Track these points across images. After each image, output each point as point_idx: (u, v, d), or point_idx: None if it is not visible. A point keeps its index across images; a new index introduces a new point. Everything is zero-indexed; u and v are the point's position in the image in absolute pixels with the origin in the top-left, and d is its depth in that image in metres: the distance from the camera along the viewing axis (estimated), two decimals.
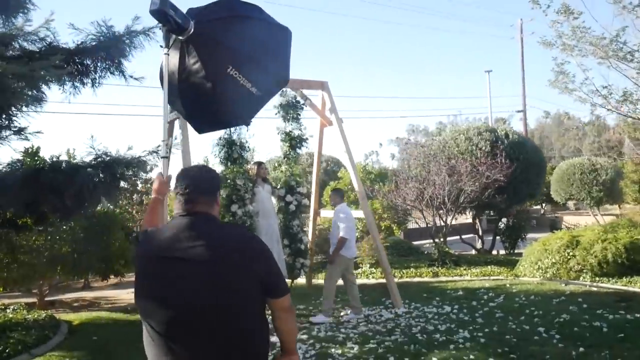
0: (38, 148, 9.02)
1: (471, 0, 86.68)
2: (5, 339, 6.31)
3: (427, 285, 9.17)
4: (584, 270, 8.62)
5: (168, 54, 3.01)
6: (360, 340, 6.15)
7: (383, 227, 14.19)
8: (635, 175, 22.71)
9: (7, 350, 5.97)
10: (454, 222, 12.74)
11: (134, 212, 17.59)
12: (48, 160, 7.30)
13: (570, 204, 26.06)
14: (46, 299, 9.74)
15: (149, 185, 19.37)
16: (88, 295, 11.07)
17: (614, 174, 18.93)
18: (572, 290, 8.03)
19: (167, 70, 2.99)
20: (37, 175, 6.40)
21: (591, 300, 7.32)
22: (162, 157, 2.98)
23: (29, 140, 5.77)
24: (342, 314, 7.53)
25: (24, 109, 5.06)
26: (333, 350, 5.82)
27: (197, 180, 2.29)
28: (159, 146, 7.19)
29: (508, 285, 8.69)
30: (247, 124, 3.25)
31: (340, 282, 7.50)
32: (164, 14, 2.91)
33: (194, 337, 2.07)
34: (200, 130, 3.42)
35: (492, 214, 16.09)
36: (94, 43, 6.63)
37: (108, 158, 6.93)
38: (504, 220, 14.84)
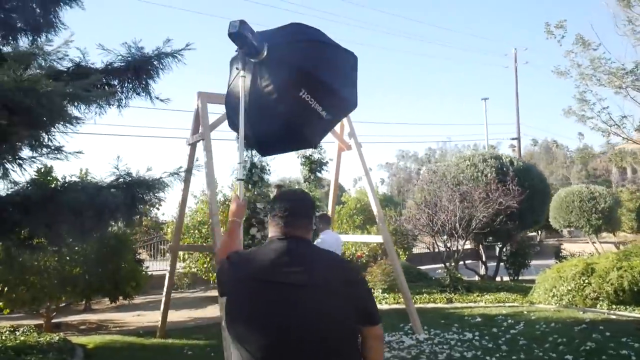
0: (51, 167, 8.92)
1: (463, 27, 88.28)
2: None
3: (443, 312, 9.12)
4: (600, 298, 8.63)
5: (245, 77, 3.01)
6: None
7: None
8: (630, 204, 23.00)
9: None
10: (457, 248, 12.72)
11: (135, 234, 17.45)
12: (60, 180, 7.25)
13: (565, 231, 26.23)
14: (52, 321, 9.54)
15: (147, 207, 19.24)
16: (92, 317, 10.86)
17: (613, 202, 19.14)
18: (591, 318, 8.03)
19: (243, 92, 2.98)
20: (59, 195, 6.32)
21: (613, 329, 7.32)
22: (238, 180, 2.96)
23: (68, 160, 5.69)
24: None
25: (63, 128, 5.03)
26: None
27: (296, 204, 2.28)
28: (180, 168, 7.20)
29: (525, 312, 8.67)
30: (315, 147, 3.26)
31: None
32: (243, 37, 2.92)
33: None
34: (264, 152, 3.42)
35: (489, 240, 16.10)
36: (122, 64, 6.64)
37: (129, 179, 6.86)
38: (507, 247, 14.85)
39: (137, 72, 6.72)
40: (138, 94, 6.99)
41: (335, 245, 7.20)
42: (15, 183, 6.38)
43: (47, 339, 7.55)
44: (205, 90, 7.61)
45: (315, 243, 7.05)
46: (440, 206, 10.99)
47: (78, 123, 5.06)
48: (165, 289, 8.16)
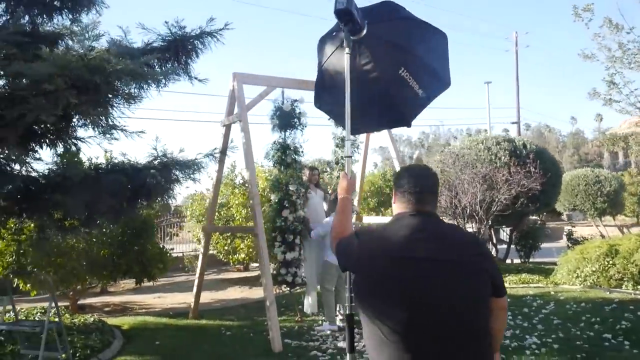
0: (79, 149, 8.85)
1: (463, 9, 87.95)
2: (68, 343, 6.15)
3: None
4: (625, 279, 8.77)
5: (349, 54, 3.00)
6: None
7: None
8: (632, 188, 23.21)
9: (77, 354, 5.84)
10: (479, 231, 12.74)
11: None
12: (86, 162, 7.26)
13: (565, 214, 26.48)
14: (79, 302, 9.55)
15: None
16: (114, 299, 10.87)
17: (618, 185, 19.32)
18: (619, 298, 8.17)
19: (348, 70, 2.98)
20: (99, 175, 6.31)
21: None
22: (346, 157, 2.97)
23: (133, 139, 5.67)
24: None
25: (123, 107, 5.01)
26: None
27: (426, 180, 2.30)
28: (214, 149, 7.17)
29: (552, 293, 8.80)
30: (409, 126, 3.22)
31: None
32: (350, 13, 2.90)
33: (435, 336, 2.07)
34: (355, 131, 3.42)
35: (498, 221, 16.21)
36: (163, 43, 6.56)
37: (166, 160, 6.83)
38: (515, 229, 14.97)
39: (177, 52, 6.65)
40: (177, 74, 6.92)
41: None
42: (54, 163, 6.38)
43: (82, 320, 7.57)
44: (239, 71, 7.56)
45: (323, 222, 7.09)
46: (461, 188, 11.05)
47: (135, 102, 5.04)
48: (198, 270, 8.18)
